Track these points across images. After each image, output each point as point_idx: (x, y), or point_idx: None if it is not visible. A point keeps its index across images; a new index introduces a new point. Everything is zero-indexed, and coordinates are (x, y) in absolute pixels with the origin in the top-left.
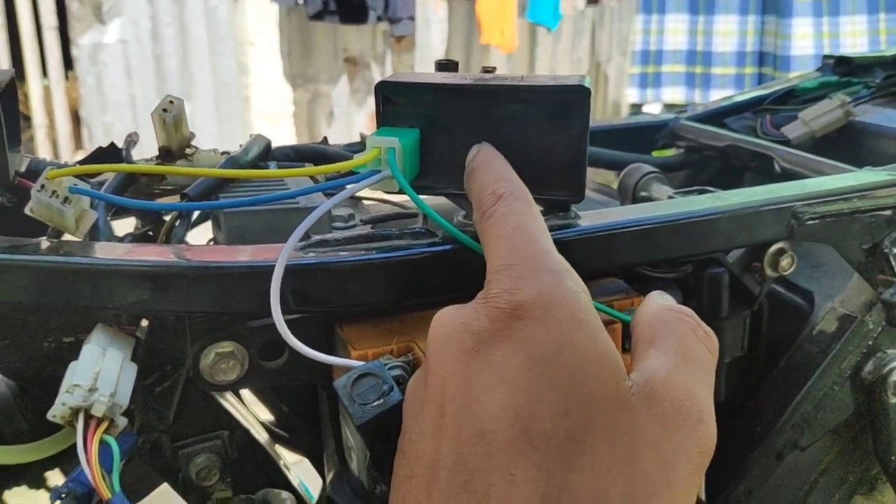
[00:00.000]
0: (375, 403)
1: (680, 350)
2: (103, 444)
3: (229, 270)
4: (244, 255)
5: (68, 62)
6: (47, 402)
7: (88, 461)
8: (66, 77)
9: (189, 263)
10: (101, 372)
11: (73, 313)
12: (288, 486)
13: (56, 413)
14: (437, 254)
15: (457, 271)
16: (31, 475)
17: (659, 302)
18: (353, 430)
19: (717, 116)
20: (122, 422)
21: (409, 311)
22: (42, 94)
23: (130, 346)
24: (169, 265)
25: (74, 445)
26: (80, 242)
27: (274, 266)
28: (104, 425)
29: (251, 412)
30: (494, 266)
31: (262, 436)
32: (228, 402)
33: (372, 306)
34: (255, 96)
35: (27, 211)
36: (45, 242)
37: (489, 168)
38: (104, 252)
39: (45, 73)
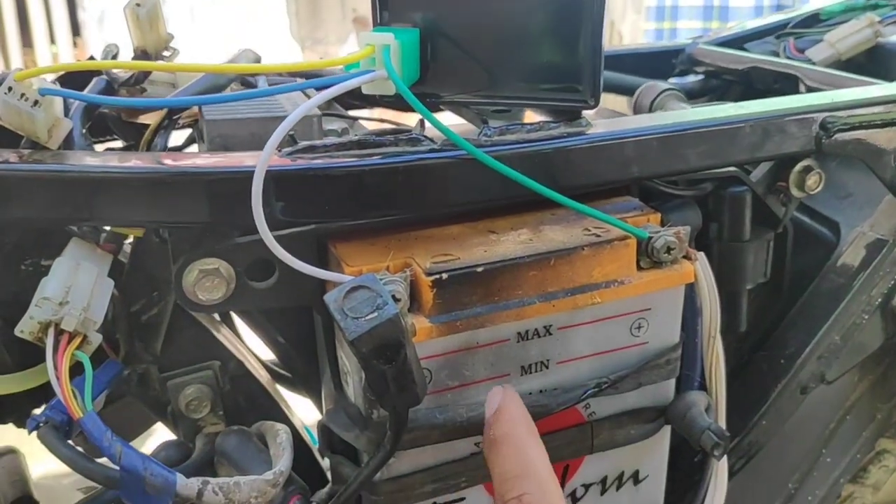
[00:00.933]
0: (369, 317)
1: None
2: (76, 363)
3: (210, 176)
4: (226, 160)
5: (75, 28)
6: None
7: (58, 377)
8: (74, 43)
9: (168, 168)
10: (73, 286)
11: (51, 233)
12: (286, 422)
13: (24, 328)
14: (436, 161)
15: (458, 182)
16: (17, 413)
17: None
18: (347, 351)
19: (737, 41)
20: (95, 338)
21: (405, 229)
22: (51, 61)
23: (108, 263)
24: (147, 171)
25: None
26: (53, 152)
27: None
28: (76, 341)
29: (247, 347)
30: None
31: (258, 371)
32: (221, 333)
33: (365, 219)
34: (262, 59)
35: None
36: (14, 153)
37: (513, 448)
38: (79, 160)
39: (52, 39)
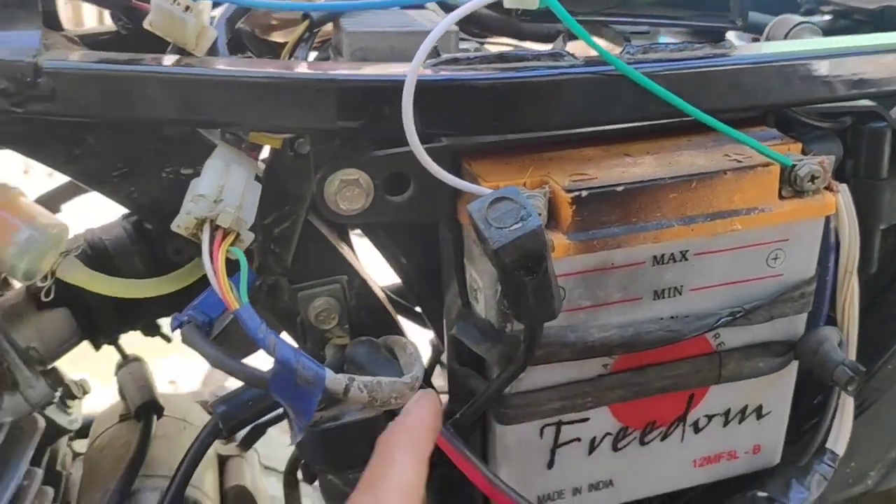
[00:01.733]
0: (513, 227)
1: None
2: (229, 258)
3: (356, 83)
4: (371, 69)
5: None
6: (161, 239)
7: (215, 271)
8: None
9: (315, 75)
10: (225, 185)
11: (193, 142)
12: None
13: (181, 223)
14: (580, 77)
15: (601, 100)
16: (145, 320)
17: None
18: (480, 266)
19: None
20: (248, 237)
21: (538, 149)
22: None
23: (254, 168)
24: (295, 77)
25: (190, 287)
26: (201, 58)
27: (405, 80)
28: (230, 237)
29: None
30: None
31: (378, 290)
32: (345, 250)
33: (505, 134)
34: None
35: (146, 25)
36: (166, 56)
37: (385, 454)
38: (227, 65)
39: None
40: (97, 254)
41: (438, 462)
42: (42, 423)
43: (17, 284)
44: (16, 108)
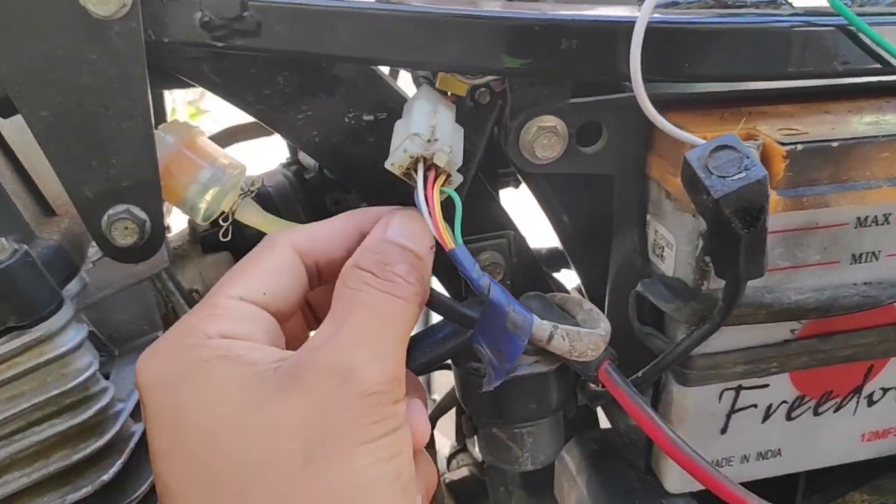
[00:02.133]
0: (736, 177)
1: (348, 306)
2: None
3: (582, 24)
4: (589, 10)
5: None
6: (321, 189)
7: (431, 212)
8: None
9: (538, 15)
10: (436, 125)
11: (375, 88)
12: None
13: (395, 161)
14: (802, 28)
15: (819, 51)
16: None
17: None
18: (672, 223)
19: None
20: (458, 178)
21: (734, 104)
22: None
23: (454, 111)
24: (515, 17)
25: None
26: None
27: (634, 22)
28: (442, 177)
29: None
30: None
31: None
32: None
33: (715, 81)
34: None
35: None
36: None
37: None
38: (434, 4)
39: None
40: (261, 199)
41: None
42: None
43: (176, 229)
44: (217, 41)
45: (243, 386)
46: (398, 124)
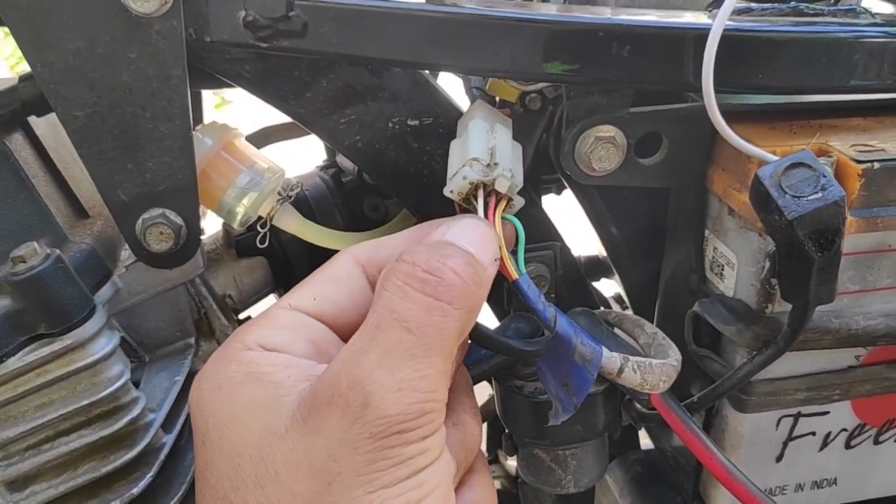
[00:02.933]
0: (811, 197)
1: (375, 321)
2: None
3: (653, 30)
4: (656, 16)
5: None
6: (359, 194)
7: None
8: None
9: (600, 20)
10: (495, 147)
11: (420, 91)
12: None
13: (455, 188)
14: (882, 38)
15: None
16: None
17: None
18: (735, 242)
19: None
20: (519, 201)
21: (801, 116)
22: None
23: (510, 127)
24: (573, 21)
25: None
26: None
27: (707, 29)
28: (503, 203)
29: None
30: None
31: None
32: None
33: (791, 94)
34: None
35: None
36: None
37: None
38: (490, 6)
39: None
40: (297, 203)
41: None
42: None
43: (209, 231)
44: (261, 42)
45: (265, 413)
46: (454, 145)
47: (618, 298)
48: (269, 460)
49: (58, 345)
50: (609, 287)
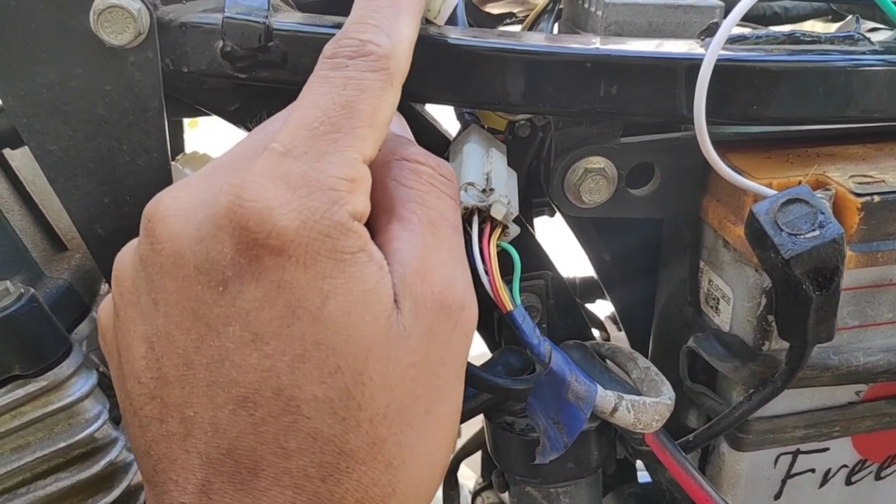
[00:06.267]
0: (809, 235)
1: (425, 218)
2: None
3: (638, 60)
4: (646, 45)
5: None
6: None
7: (488, 269)
8: None
9: (586, 51)
10: (490, 173)
11: (413, 121)
12: None
13: None
14: (881, 67)
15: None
16: None
17: (389, 146)
18: (731, 276)
19: None
20: (514, 230)
21: (799, 144)
22: None
23: (505, 153)
24: (559, 52)
25: None
26: (442, 27)
27: (700, 59)
28: (498, 230)
29: None
30: (271, 134)
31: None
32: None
33: (787, 125)
34: None
35: None
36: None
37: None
38: (474, 36)
39: None
40: None
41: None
42: None
43: None
44: (240, 72)
45: (385, 307)
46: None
47: (614, 318)
48: (397, 366)
49: (33, 386)
50: (605, 307)
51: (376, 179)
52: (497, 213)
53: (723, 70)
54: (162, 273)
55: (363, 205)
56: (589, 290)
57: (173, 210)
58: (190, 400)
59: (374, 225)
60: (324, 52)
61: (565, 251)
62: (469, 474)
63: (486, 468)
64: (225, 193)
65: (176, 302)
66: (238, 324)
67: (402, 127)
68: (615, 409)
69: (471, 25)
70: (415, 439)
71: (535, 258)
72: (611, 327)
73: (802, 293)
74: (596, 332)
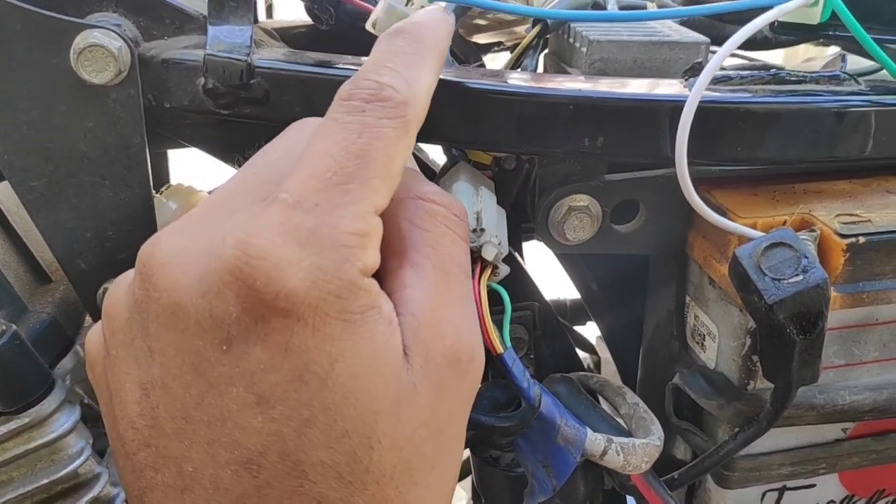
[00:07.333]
0: (792, 280)
1: (439, 265)
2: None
3: (622, 102)
4: (628, 86)
5: None
6: None
7: (479, 312)
8: None
9: (569, 93)
10: (481, 211)
11: None
12: None
13: None
14: (867, 108)
15: (883, 133)
16: None
17: (403, 183)
18: (716, 314)
19: None
20: (504, 270)
21: (785, 180)
22: None
23: (493, 190)
24: (540, 93)
25: None
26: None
27: (683, 101)
28: (488, 270)
29: None
30: (274, 177)
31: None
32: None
33: (771, 165)
34: None
35: (369, 27)
36: None
37: (410, 42)
38: (458, 77)
39: None
40: None
41: None
42: None
43: None
44: (223, 109)
45: (395, 366)
46: None
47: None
48: (404, 424)
49: (15, 423)
50: (595, 329)
51: (389, 218)
52: (488, 254)
53: (706, 112)
54: (159, 322)
55: (374, 259)
56: (579, 312)
57: (170, 257)
58: (189, 455)
59: (385, 267)
60: (339, 92)
61: (555, 272)
62: (461, 494)
63: (476, 493)
64: (230, 247)
65: (175, 354)
66: (242, 385)
67: (410, 159)
68: (604, 453)
69: (456, 56)
70: (419, 496)
71: (522, 289)
72: (601, 349)
73: (786, 337)
74: (584, 355)
